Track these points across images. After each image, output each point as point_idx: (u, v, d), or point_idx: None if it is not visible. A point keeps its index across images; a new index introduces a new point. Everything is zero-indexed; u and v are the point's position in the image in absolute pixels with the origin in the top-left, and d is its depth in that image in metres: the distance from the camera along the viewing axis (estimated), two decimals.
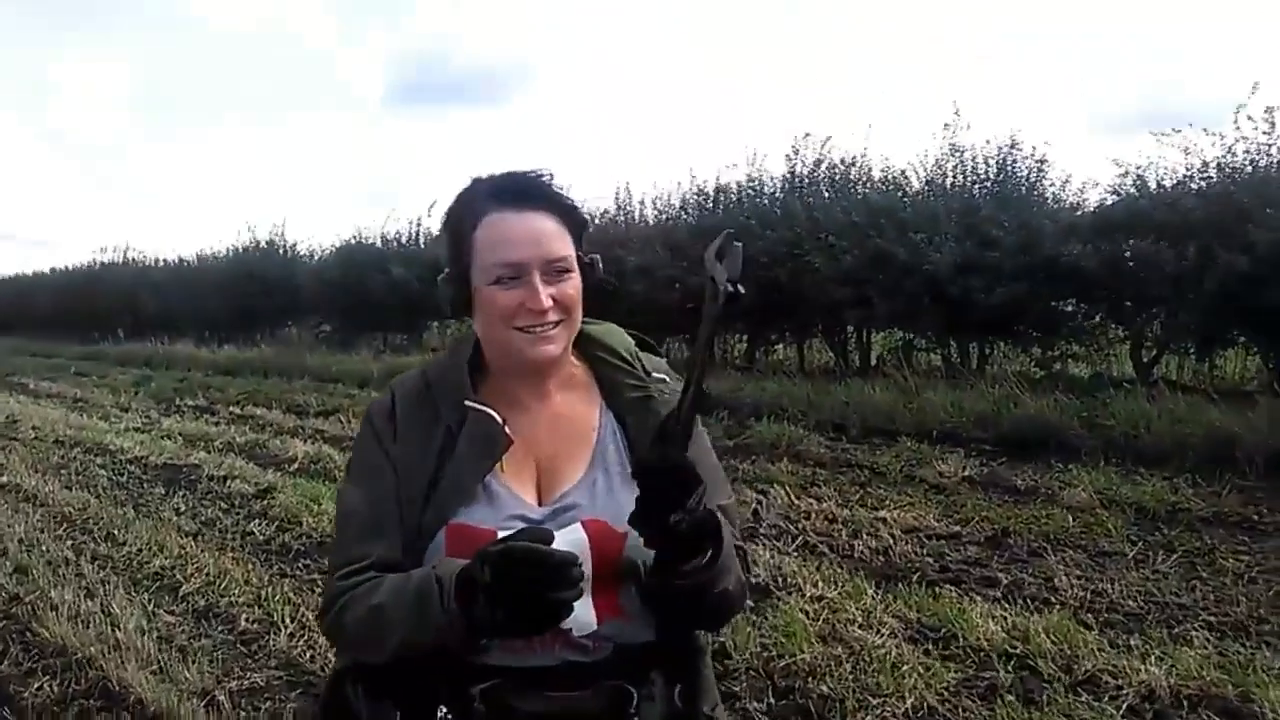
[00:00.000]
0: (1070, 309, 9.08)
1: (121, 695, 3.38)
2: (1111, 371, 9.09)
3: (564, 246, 1.33)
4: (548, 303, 1.30)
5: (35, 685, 3.52)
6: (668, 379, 1.46)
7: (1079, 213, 9.10)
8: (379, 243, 17.06)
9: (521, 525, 1.25)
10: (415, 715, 1.23)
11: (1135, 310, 8.45)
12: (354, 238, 17.64)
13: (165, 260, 23.60)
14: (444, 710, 1.22)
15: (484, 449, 1.32)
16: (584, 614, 1.26)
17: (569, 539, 1.26)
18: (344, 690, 1.31)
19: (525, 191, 1.33)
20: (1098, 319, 9.02)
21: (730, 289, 1.16)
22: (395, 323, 16.25)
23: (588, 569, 1.24)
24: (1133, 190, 8.43)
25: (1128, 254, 7.94)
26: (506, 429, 1.32)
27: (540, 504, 1.33)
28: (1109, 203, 8.72)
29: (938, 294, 8.89)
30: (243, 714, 3.26)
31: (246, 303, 18.82)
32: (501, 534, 1.19)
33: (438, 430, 1.34)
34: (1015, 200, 9.26)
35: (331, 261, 17.69)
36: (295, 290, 18.13)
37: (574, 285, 1.35)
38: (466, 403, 1.34)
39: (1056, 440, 7.01)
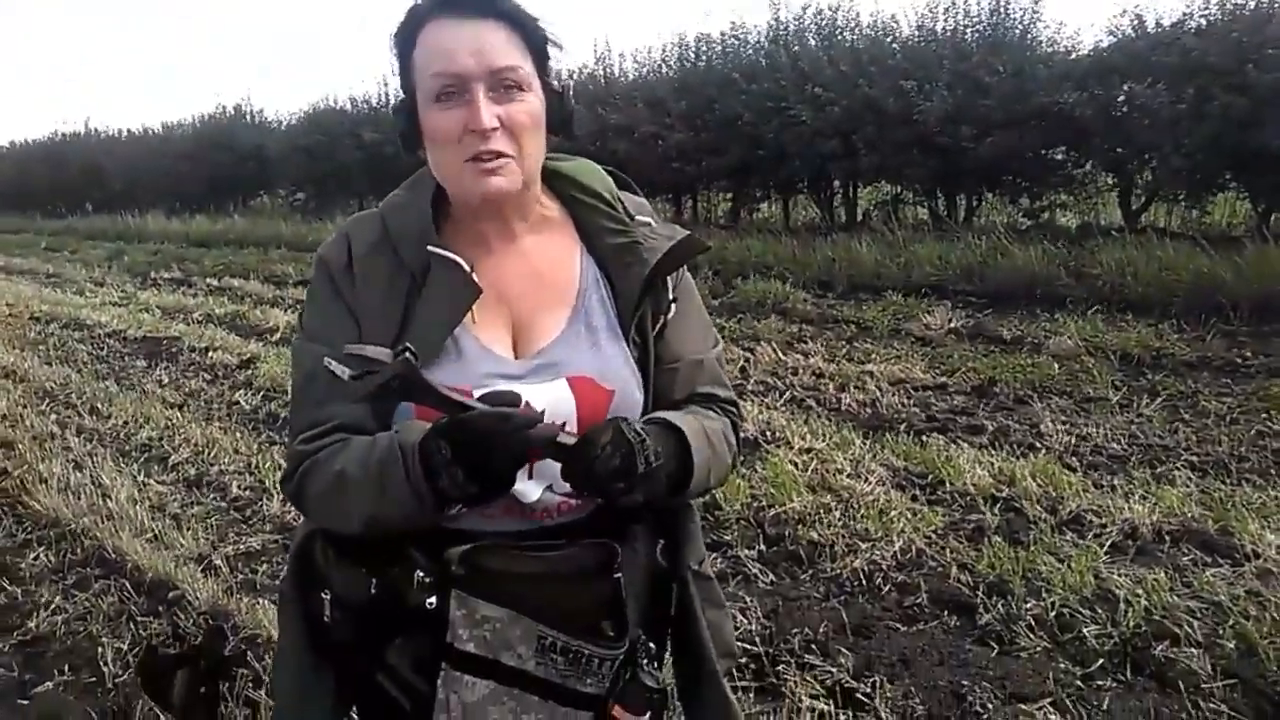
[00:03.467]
0: (1060, 158, 8.90)
1: (118, 563, 3.41)
2: (1099, 221, 9.01)
3: (512, 58, 1.16)
4: (491, 122, 1.14)
5: (32, 556, 3.54)
6: (652, 222, 1.31)
7: (1073, 56, 8.79)
8: (348, 106, 16.46)
9: (499, 382, 1.16)
10: (390, 581, 1.17)
11: (1127, 157, 8.29)
12: (322, 102, 17.01)
13: (130, 130, 22.79)
14: (421, 575, 1.16)
15: (451, 299, 1.19)
16: None
17: (553, 396, 1.18)
18: (314, 554, 1.23)
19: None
20: (1088, 167, 8.86)
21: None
22: (369, 188, 15.83)
23: (573, 427, 1.18)
24: (1130, 32, 8.13)
25: (1121, 99, 7.73)
26: (474, 276, 1.19)
27: (517, 358, 1.23)
28: (1105, 44, 8.43)
29: (927, 144, 8.68)
30: (240, 577, 3.30)
31: (216, 172, 18.27)
32: (477, 393, 1.10)
33: (400, 279, 1.21)
34: (1008, 45, 8.93)
35: (300, 128, 17.09)
36: (265, 159, 17.58)
37: (528, 108, 1.17)
38: (430, 248, 1.20)
39: (1043, 290, 6.99)
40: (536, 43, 1.21)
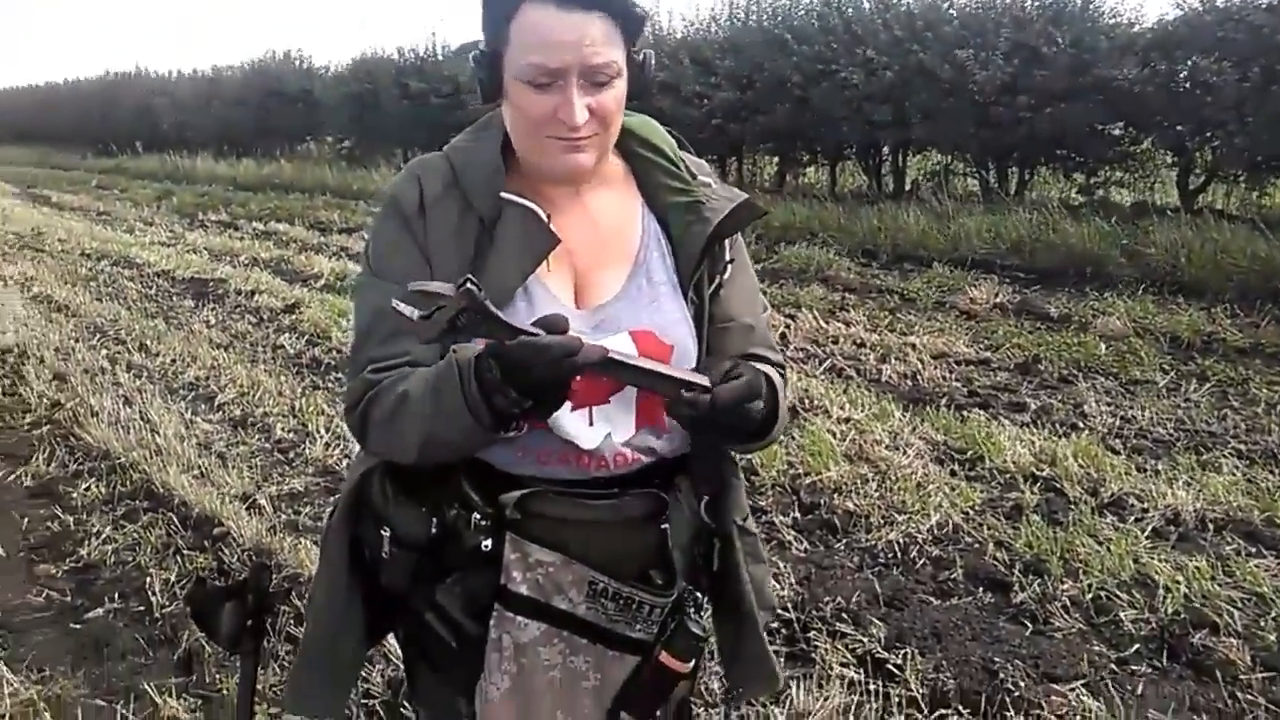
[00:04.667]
0: (1118, 133, 8.67)
1: (166, 497, 3.50)
2: (1155, 199, 8.80)
3: (610, 52, 1.15)
4: (582, 116, 1.15)
5: (83, 486, 3.65)
6: (713, 183, 1.32)
7: (1136, 29, 8.53)
8: (396, 56, 16.43)
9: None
10: (448, 522, 1.20)
11: (1187, 135, 8.06)
12: (370, 51, 17.00)
13: (181, 72, 22.99)
14: (477, 517, 1.19)
15: (526, 247, 1.20)
16: (624, 422, 1.23)
17: (615, 348, 1.17)
18: (371, 492, 1.24)
19: None
20: (1146, 144, 8.62)
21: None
22: (414, 138, 15.84)
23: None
24: (1197, 5, 7.87)
25: (1184, 75, 7.50)
26: (552, 227, 1.21)
27: (579, 310, 1.24)
28: (1170, 18, 8.17)
29: (981, 114, 8.49)
30: (283, 517, 3.37)
31: (264, 116, 18.39)
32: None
33: (469, 223, 1.22)
34: (1069, 15, 8.67)
35: (348, 75, 17.12)
36: (313, 105, 17.66)
37: (616, 95, 1.19)
38: (505, 196, 1.21)
39: (1094, 269, 6.87)
40: (633, 29, 1.20)
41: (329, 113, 17.19)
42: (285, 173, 15.98)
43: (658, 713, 1.31)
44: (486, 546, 1.19)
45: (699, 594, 1.30)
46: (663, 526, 1.25)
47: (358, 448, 1.31)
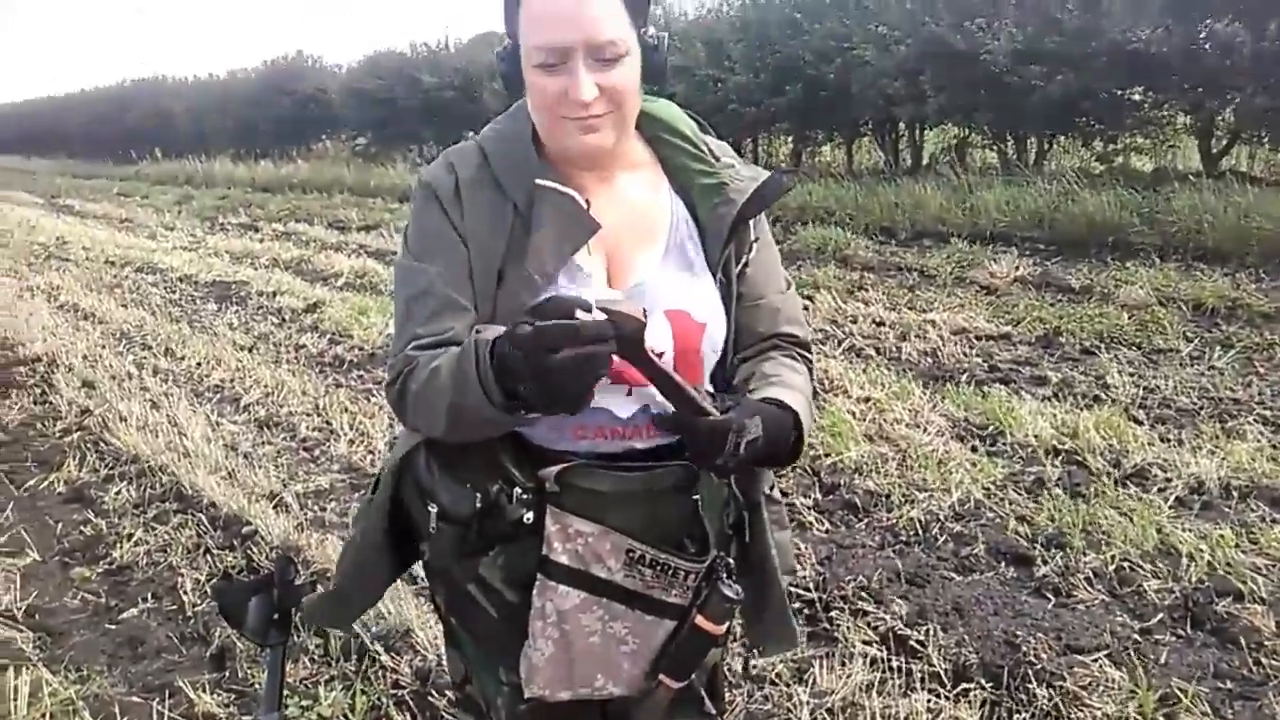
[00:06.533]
0: (1137, 98, 8.54)
1: (195, 498, 3.56)
2: (1176, 165, 8.67)
3: (615, 29, 1.18)
4: (591, 93, 1.17)
5: (114, 490, 3.71)
6: (736, 164, 1.36)
7: None
8: (408, 51, 16.48)
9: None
10: (491, 497, 1.24)
11: (1207, 97, 7.92)
12: (382, 47, 17.07)
13: (196, 76, 23.20)
14: (519, 492, 1.24)
15: (565, 232, 1.22)
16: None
17: (651, 328, 1.20)
18: (417, 469, 1.30)
19: None
20: (1165, 109, 8.49)
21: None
22: (428, 133, 15.89)
23: (670, 358, 1.24)
24: None
25: (1203, 35, 7.37)
26: (592, 213, 1.23)
27: (613, 290, 1.28)
28: None
29: (995, 84, 8.39)
30: (310, 514, 3.42)
31: (280, 116, 18.52)
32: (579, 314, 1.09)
33: (503, 209, 1.25)
34: None
35: (361, 72, 17.19)
36: (327, 103, 17.76)
37: (626, 74, 1.20)
38: (539, 182, 1.23)
39: (1114, 237, 6.79)
40: (638, 6, 1.23)
41: (343, 109, 17.28)
42: (302, 173, 16.09)
43: (693, 675, 1.36)
44: (528, 519, 1.25)
45: (730, 560, 1.36)
46: (694, 497, 1.30)
47: (399, 429, 1.36)
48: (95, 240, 10.85)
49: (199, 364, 5.45)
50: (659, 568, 1.28)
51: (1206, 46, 7.35)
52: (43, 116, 29.41)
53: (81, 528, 3.45)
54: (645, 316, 1.09)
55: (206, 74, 22.77)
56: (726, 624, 1.34)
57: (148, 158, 20.87)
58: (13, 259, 9.59)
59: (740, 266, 1.35)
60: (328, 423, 4.35)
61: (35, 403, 4.85)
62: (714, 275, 1.32)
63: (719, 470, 1.24)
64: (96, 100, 26.27)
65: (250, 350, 5.71)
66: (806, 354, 1.41)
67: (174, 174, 18.85)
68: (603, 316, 1.04)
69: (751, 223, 1.35)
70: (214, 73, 22.51)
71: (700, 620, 1.30)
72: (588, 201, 1.24)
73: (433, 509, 1.27)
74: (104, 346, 5.90)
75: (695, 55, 10.62)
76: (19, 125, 30.93)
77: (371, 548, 1.39)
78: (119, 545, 3.26)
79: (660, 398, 1.20)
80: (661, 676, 1.32)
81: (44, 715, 2.25)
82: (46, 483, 3.84)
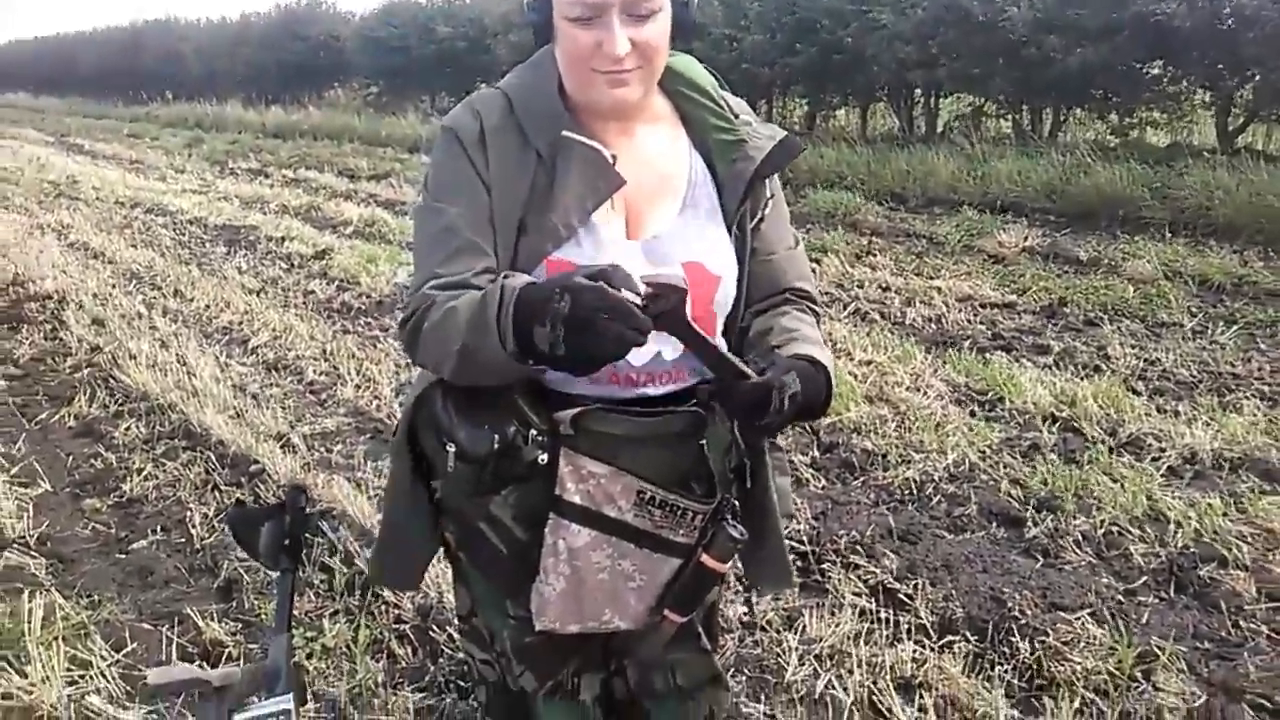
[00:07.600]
0: (1156, 72, 8.45)
1: (203, 436, 3.62)
2: (1191, 140, 8.60)
3: None
4: (625, 48, 1.20)
5: (124, 426, 3.77)
6: (753, 121, 1.38)
7: None
8: (422, 0, 16.33)
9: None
10: (508, 438, 1.26)
11: (1227, 72, 7.84)
12: None
13: (209, 19, 23.01)
14: (534, 433, 1.27)
15: (590, 185, 1.25)
16: (674, 341, 1.27)
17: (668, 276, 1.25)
18: (434, 407, 1.29)
19: None
20: (1184, 84, 8.41)
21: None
22: (442, 84, 15.79)
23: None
24: None
25: (1227, 11, 7.28)
26: (618, 168, 1.26)
27: (631, 240, 1.31)
28: None
29: (1011, 53, 8.32)
30: (316, 455, 3.48)
31: (292, 62, 18.40)
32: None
33: (526, 157, 1.27)
34: None
35: (374, 19, 17.04)
36: (340, 50, 17.64)
37: (658, 30, 1.23)
38: (566, 134, 1.26)
39: (1125, 211, 6.77)
40: None
41: (355, 57, 17.15)
42: (313, 119, 15.99)
43: (694, 611, 1.43)
44: (543, 460, 1.28)
45: (735, 502, 1.40)
46: (701, 442, 1.35)
47: (411, 374, 1.39)
48: (106, 180, 10.85)
49: (207, 305, 5.49)
50: (668, 508, 1.32)
51: (1230, 23, 7.26)
52: (53, 55, 29.18)
53: (92, 461, 3.51)
54: (685, 285, 1.14)
55: (219, 16, 22.55)
56: (729, 562, 1.38)
57: (158, 99, 20.77)
58: (24, 196, 9.61)
59: (755, 222, 1.39)
60: (335, 368, 4.40)
61: (46, 339, 4.91)
62: (729, 229, 1.35)
63: (766, 429, 1.27)
64: (108, 40, 26.07)
65: (259, 294, 5.75)
66: (816, 308, 1.47)
67: (184, 116, 18.75)
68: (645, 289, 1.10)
69: (767, 180, 1.38)
70: (226, 15, 22.33)
71: (706, 559, 1.34)
72: (614, 156, 1.26)
73: (450, 448, 1.28)
74: (114, 285, 5.95)
75: (712, 13, 10.51)
76: (29, 63, 30.70)
77: (404, 493, 1.41)
78: (129, 479, 3.32)
79: (679, 346, 1.24)
80: (666, 611, 1.37)
81: (56, 638, 2.32)
82: (57, 417, 3.91)
